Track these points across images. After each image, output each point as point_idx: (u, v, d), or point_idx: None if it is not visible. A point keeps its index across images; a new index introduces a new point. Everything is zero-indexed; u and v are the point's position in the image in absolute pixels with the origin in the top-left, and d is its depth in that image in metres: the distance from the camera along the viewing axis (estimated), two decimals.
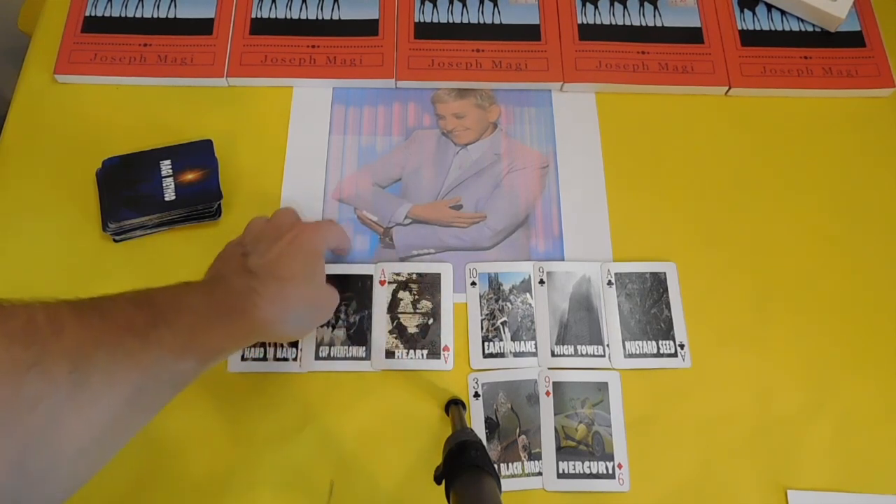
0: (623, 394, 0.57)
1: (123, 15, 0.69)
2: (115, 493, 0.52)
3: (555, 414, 0.56)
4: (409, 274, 0.60)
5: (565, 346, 0.58)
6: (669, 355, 0.58)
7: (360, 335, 0.58)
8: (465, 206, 0.63)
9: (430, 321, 0.58)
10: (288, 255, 0.49)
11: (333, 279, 0.59)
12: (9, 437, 0.32)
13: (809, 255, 0.62)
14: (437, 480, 0.43)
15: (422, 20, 0.69)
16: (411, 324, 0.58)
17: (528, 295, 0.60)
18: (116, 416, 0.37)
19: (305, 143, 0.65)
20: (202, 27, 0.68)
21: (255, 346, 0.57)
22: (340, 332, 0.58)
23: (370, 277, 0.60)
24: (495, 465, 0.51)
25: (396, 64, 0.67)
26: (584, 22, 0.70)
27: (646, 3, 0.71)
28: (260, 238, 0.51)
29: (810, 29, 0.70)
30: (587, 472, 0.54)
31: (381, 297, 0.59)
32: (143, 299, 0.42)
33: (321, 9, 0.69)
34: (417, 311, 0.59)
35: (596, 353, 0.58)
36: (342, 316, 0.58)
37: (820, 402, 0.57)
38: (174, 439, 0.54)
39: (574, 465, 0.54)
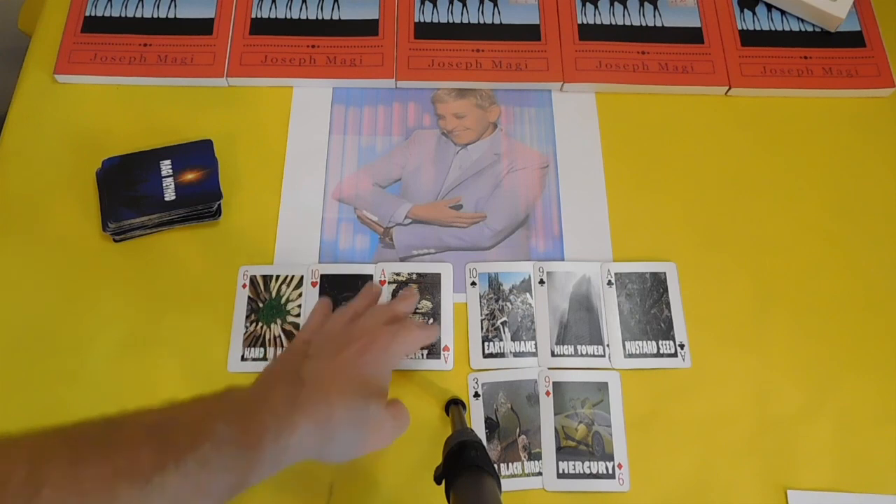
0: (623, 394, 0.57)
1: (123, 15, 0.69)
2: None
3: (555, 414, 0.56)
4: (409, 274, 0.60)
5: (565, 346, 0.58)
6: (669, 355, 0.58)
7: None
8: (465, 206, 0.63)
9: (430, 321, 0.58)
10: (350, 369, 0.44)
11: (334, 279, 0.59)
12: None
13: (809, 255, 0.62)
14: (437, 480, 0.43)
15: (422, 20, 0.69)
16: None
17: (528, 295, 0.60)
18: None
19: (305, 143, 0.65)
20: (202, 27, 0.68)
21: (254, 345, 0.57)
22: None
23: (370, 277, 0.60)
24: (495, 465, 0.51)
25: (396, 64, 0.67)
26: (584, 22, 0.70)
27: (646, 3, 0.71)
28: (331, 339, 0.46)
29: (810, 29, 0.70)
30: (587, 472, 0.54)
31: (381, 297, 0.59)
32: (162, 423, 0.36)
33: (321, 9, 0.69)
34: (417, 311, 0.59)
35: (596, 353, 0.58)
36: None
37: (820, 402, 0.57)
38: None
39: (574, 465, 0.54)
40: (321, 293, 0.59)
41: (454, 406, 0.54)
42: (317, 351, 0.45)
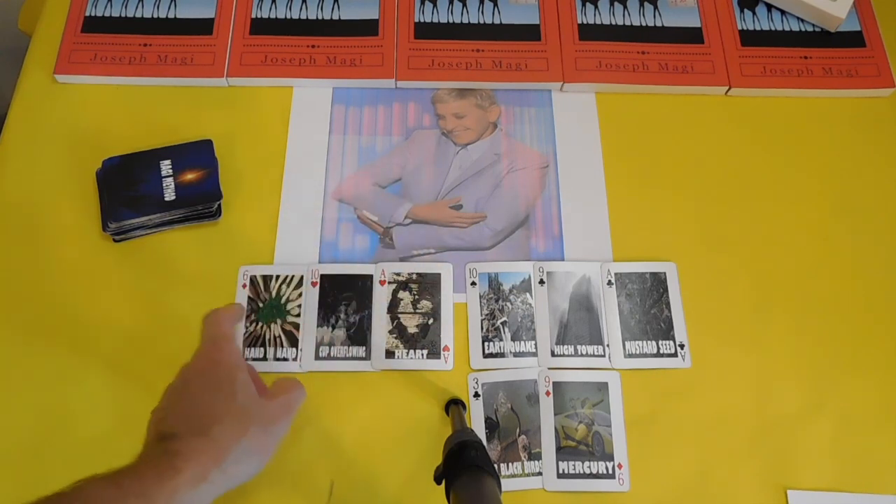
0: (623, 394, 0.57)
1: (123, 15, 0.69)
2: None
3: (555, 414, 0.56)
4: (409, 274, 0.60)
5: (565, 346, 0.58)
6: (669, 355, 0.58)
7: (360, 335, 0.58)
8: (465, 206, 0.63)
9: (430, 321, 0.58)
10: (196, 389, 0.43)
11: (334, 279, 0.59)
12: None
13: (809, 255, 0.62)
14: (437, 480, 0.43)
15: (422, 20, 0.69)
16: (411, 324, 0.58)
17: (528, 295, 0.60)
18: None
19: (305, 143, 0.65)
20: (202, 27, 0.68)
21: (254, 345, 0.57)
22: (340, 332, 0.58)
23: (370, 277, 0.60)
24: (495, 465, 0.51)
25: (396, 64, 0.67)
26: (584, 22, 0.70)
27: (646, 3, 0.71)
28: (171, 392, 0.44)
29: (810, 29, 0.70)
30: (587, 472, 0.54)
31: (381, 297, 0.59)
32: None
33: (321, 9, 0.69)
34: (417, 311, 0.59)
35: (596, 353, 0.58)
36: (342, 316, 0.58)
37: (820, 402, 0.57)
38: None
39: (574, 465, 0.54)
40: (321, 293, 0.59)
41: (454, 406, 0.54)
42: (167, 409, 0.44)
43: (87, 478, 0.37)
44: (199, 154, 0.62)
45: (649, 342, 0.58)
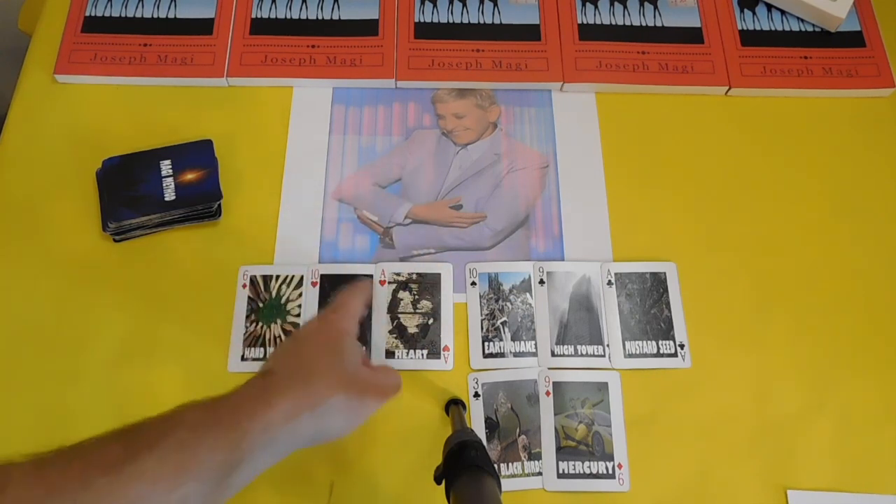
0: (623, 394, 0.57)
1: (123, 15, 0.69)
2: None
3: (555, 414, 0.56)
4: (409, 274, 0.60)
5: (565, 346, 0.58)
6: (669, 355, 0.58)
7: (360, 335, 0.58)
8: (465, 206, 0.63)
9: (430, 321, 0.58)
10: (307, 343, 0.45)
11: (334, 279, 0.59)
12: None
13: (809, 255, 0.62)
14: (437, 480, 0.43)
15: (422, 20, 0.69)
16: (411, 324, 0.58)
17: (528, 295, 0.60)
18: None
19: (305, 143, 0.65)
20: (202, 27, 0.68)
21: (253, 345, 0.57)
22: None
23: (370, 278, 0.60)
24: (495, 465, 0.51)
25: (396, 64, 0.67)
26: (584, 22, 0.70)
27: (646, 3, 0.71)
28: (282, 344, 0.47)
29: (810, 29, 0.70)
30: (587, 472, 0.54)
31: (381, 297, 0.59)
32: (131, 428, 0.36)
33: (321, 9, 0.69)
34: (417, 311, 0.59)
35: (596, 353, 0.58)
36: None
37: (820, 402, 0.57)
38: None
39: (574, 465, 0.54)
40: (321, 293, 0.59)
41: (454, 406, 0.54)
42: (279, 348, 0.46)
43: (188, 402, 0.38)
44: (199, 154, 0.62)
45: (649, 342, 0.58)
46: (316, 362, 0.43)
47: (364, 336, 0.58)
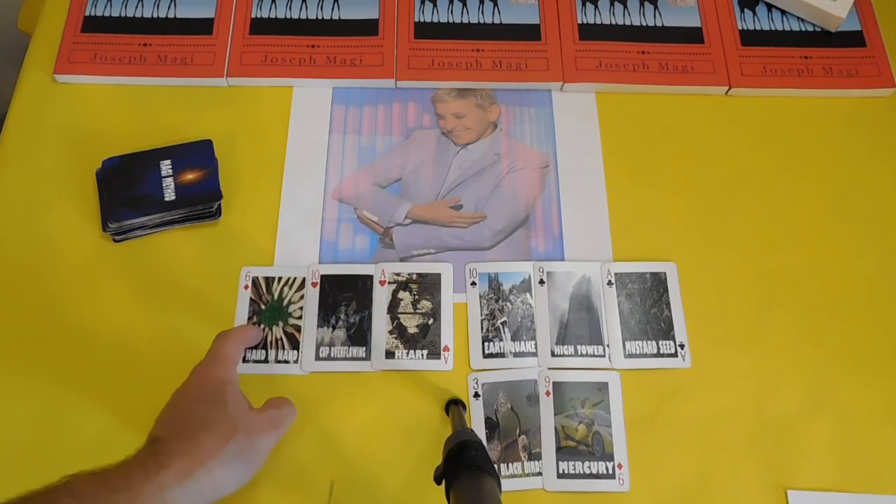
0: (623, 394, 0.57)
1: (123, 15, 0.69)
2: None
3: (555, 414, 0.56)
4: (409, 274, 0.60)
5: (565, 346, 0.58)
6: (669, 355, 0.58)
7: (360, 335, 0.58)
8: (465, 206, 0.63)
9: (430, 321, 0.58)
10: (187, 401, 0.45)
11: (334, 279, 0.59)
12: None
13: (809, 255, 0.62)
14: (437, 480, 0.43)
15: (422, 20, 0.69)
16: (411, 324, 0.58)
17: (528, 295, 0.60)
18: None
19: (305, 143, 0.65)
20: (202, 27, 0.68)
21: (256, 348, 0.57)
22: (340, 333, 0.58)
23: (370, 277, 0.60)
24: (495, 465, 0.51)
25: (396, 64, 0.67)
26: (584, 22, 0.70)
27: (646, 3, 0.71)
28: (165, 407, 0.46)
29: (810, 29, 0.70)
30: (587, 472, 0.54)
31: (381, 297, 0.59)
32: (15, 502, 0.36)
33: (321, 9, 0.69)
34: (417, 311, 0.59)
35: (596, 353, 0.58)
36: (342, 316, 0.58)
37: (820, 402, 0.57)
38: None
39: (574, 465, 0.54)
40: (321, 293, 0.59)
41: (454, 406, 0.54)
42: (161, 414, 0.45)
43: (76, 473, 0.39)
44: (199, 154, 0.62)
45: (649, 342, 0.58)
46: (200, 418, 0.43)
47: (364, 337, 0.58)
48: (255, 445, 0.45)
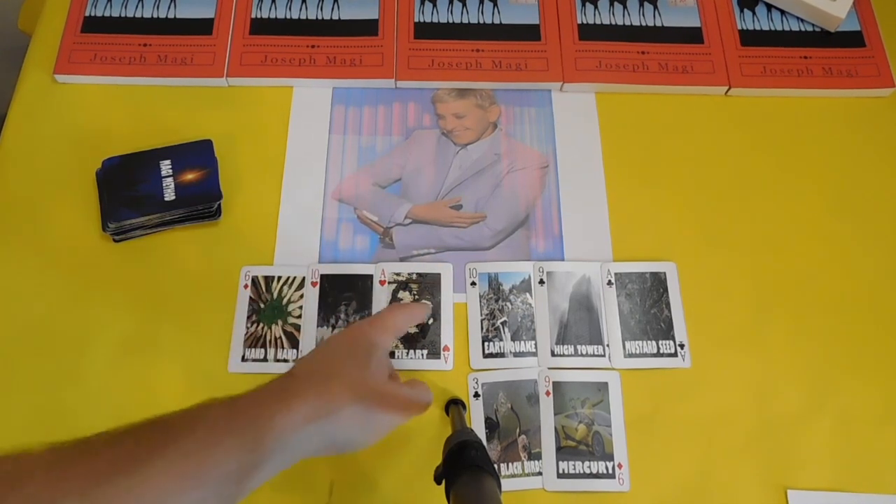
0: (623, 394, 0.57)
1: (123, 15, 0.69)
2: None
3: (555, 414, 0.56)
4: (409, 274, 0.60)
5: (565, 346, 0.58)
6: (669, 355, 0.58)
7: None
8: (465, 206, 0.63)
9: (430, 321, 0.58)
10: (333, 348, 0.44)
11: (334, 279, 0.59)
12: None
13: (809, 255, 0.62)
14: (437, 480, 0.43)
15: (422, 20, 0.69)
16: None
17: (528, 295, 0.60)
18: None
19: (305, 143, 0.65)
20: (202, 27, 0.68)
21: (254, 346, 0.57)
22: None
23: (370, 277, 0.60)
24: (495, 465, 0.51)
25: (396, 64, 0.67)
26: (584, 22, 0.70)
27: (646, 3, 0.71)
28: (314, 349, 0.47)
29: (810, 29, 0.70)
30: (587, 471, 0.54)
31: (381, 297, 0.59)
32: (150, 426, 0.35)
33: (321, 9, 0.69)
34: None
35: (596, 353, 0.58)
36: (342, 316, 0.58)
37: (820, 402, 0.57)
38: None
39: (574, 465, 0.54)
40: (321, 293, 0.59)
41: (454, 406, 0.54)
42: (309, 352, 0.45)
43: (210, 399, 0.38)
44: (199, 154, 0.62)
45: (649, 342, 0.58)
46: (337, 367, 0.42)
47: None
48: (380, 415, 0.42)
